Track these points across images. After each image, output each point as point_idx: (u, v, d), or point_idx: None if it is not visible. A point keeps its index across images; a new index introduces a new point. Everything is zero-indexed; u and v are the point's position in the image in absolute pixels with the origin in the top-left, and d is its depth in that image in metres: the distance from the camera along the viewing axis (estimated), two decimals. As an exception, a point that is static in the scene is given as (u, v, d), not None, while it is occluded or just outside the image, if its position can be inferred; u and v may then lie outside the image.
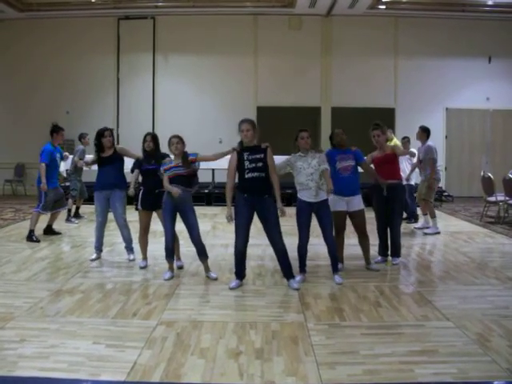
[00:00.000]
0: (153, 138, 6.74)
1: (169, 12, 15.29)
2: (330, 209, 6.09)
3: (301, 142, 6.05)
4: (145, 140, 6.70)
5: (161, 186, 6.40)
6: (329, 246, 6.10)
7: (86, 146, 10.49)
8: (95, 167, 7.25)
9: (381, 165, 6.82)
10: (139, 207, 6.64)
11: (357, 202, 6.43)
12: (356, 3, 14.08)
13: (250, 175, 5.64)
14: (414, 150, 9.92)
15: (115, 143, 7.18)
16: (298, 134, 6.10)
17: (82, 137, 10.67)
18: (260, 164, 5.66)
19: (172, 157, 6.25)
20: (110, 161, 6.98)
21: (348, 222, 6.60)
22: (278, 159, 6.10)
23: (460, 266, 6.94)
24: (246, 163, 5.66)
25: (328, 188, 5.87)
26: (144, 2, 14.99)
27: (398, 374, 3.67)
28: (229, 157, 5.90)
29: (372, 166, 6.93)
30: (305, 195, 5.99)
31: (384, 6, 14.60)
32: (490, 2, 14.63)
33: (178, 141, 6.13)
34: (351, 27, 15.36)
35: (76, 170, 10.36)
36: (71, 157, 10.65)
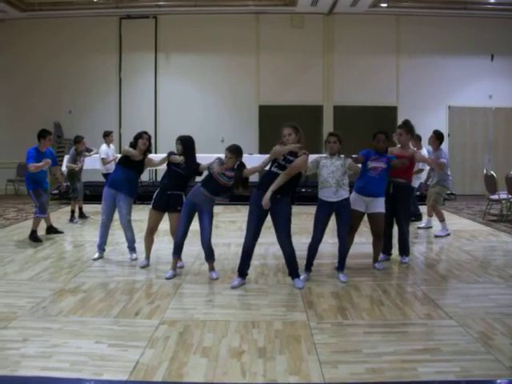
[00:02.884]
0: (181, 141, 6.50)
1: (170, 11, 15.27)
2: (350, 208, 6.10)
3: (327, 146, 6.10)
4: (176, 143, 6.53)
5: (175, 189, 6.43)
6: (341, 244, 6.13)
7: (81, 149, 10.49)
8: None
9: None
10: (151, 206, 6.61)
11: (376, 205, 6.39)
12: (358, 1, 14.04)
13: (275, 170, 5.66)
14: (424, 150, 9.76)
15: (148, 152, 7.09)
16: (327, 137, 6.15)
17: (76, 140, 10.62)
18: (289, 165, 5.64)
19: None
20: (133, 166, 6.89)
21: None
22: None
23: (463, 264, 6.94)
24: (279, 160, 5.67)
25: (355, 168, 6.06)
26: (146, 1, 14.97)
27: (401, 372, 3.66)
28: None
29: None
30: (325, 194, 5.99)
31: (386, 4, 14.56)
32: (492, 0, 14.62)
33: (230, 156, 5.95)
34: (353, 25, 15.34)
35: (71, 172, 10.39)
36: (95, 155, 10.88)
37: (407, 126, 6.91)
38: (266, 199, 5.53)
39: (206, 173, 6.21)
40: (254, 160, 9.06)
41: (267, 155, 5.91)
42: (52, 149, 8.86)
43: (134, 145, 6.95)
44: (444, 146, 9.29)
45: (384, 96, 15.62)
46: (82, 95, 15.60)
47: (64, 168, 11.74)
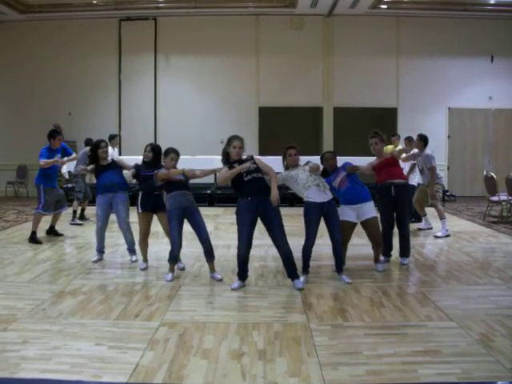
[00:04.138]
0: (152, 149, 6.80)
1: (170, 13, 15.31)
2: (337, 210, 6.10)
3: (289, 160, 6.17)
4: (144, 150, 6.82)
5: (159, 189, 6.45)
6: (335, 246, 6.08)
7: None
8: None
9: (382, 168, 6.81)
10: (139, 210, 6.63)
11: (367, 210, 6.35)
12: (357, 3, 14.06)
13: (248, 177, 5.67)
14: (415, 149, 9.79)
15: (113, 155, 7.24)
16: (285, 151, 6.20)
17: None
18: (255, 165, 5.74)
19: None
20: (109, 166, 7.05)
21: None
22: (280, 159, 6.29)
23: (463, 265, 6.93)
24: (243, 171, 5.71)
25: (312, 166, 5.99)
26: (145, 3, 15.00)
27: (402, 374, 3.65)
28: None
29: (374, 173, 6.97)
30: (313, 195, 5.95)
31: (385, 6, 14.59)
32: (491, 1, 14.64)
33: (176, 158, 6.35)
34: (353, 27, 15.36)
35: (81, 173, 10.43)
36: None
37: (381, 135, 6.96)
38: (275, 195, 5.58)
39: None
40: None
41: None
42: (64, 143, 9.12)
43: (93, 156, 7.17)
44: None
45: (384, 98, 15.64)
46: (81, 97, 15.62)
47: (64, 170, 11.75)
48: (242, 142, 5.92)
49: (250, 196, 5.63)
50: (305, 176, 5.99)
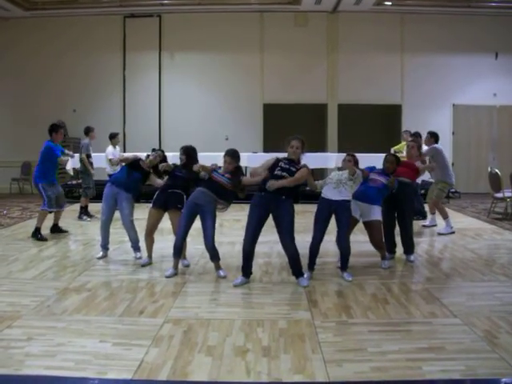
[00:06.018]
0: (185, 151, 6.71)
1: (175, 10, 15.30)
2: (350, 211, 6.09)
3: (343, 163, 6.28)
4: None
5: (176, 188, 6.51)
6: (340, 248, 6.10)
7: (91, 140, 10.53)
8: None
9: (401, 166, 6.85)
10: (150, 206, 6.64)
11: (372, 212, 6.39)
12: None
13: (279, 173, 5.71)
14: (425, 146, 9.75)
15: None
16: (345, 157, 6.34)
17: (88, 130, 10.67)
18: (293, 169, 5.76)
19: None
20: (139, 170, 6.97)
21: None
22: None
23: (467, 262, 6.92)
24: (281, 163, 5.80)
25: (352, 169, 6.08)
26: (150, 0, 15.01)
27: (406, 371, 3.66)
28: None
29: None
30: (325, 191, 6.06)
31: (390, 3, 14.56)
32: (495, -2, 14.61)
33: (230, 161, 6.17)
34: (357, 24, 15.32)
35: (85, 167, 10.42)
36: (77, 155, 10.67)
37: (418, 141, 7.07)
38: (274, 184, 5.58)
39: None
40: (258, 158, 9.13)
41: (268, 157, 5.98)
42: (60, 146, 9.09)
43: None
44: (446, 143, 9.34)
45: (389, 94, 15.61)
46: (86, 94, 15.63)
47: (68, 167, 11.77)
48: (301, 142, 5.89)
49: (265, 191, 5.65)
50: (335, 175, 6.13)
